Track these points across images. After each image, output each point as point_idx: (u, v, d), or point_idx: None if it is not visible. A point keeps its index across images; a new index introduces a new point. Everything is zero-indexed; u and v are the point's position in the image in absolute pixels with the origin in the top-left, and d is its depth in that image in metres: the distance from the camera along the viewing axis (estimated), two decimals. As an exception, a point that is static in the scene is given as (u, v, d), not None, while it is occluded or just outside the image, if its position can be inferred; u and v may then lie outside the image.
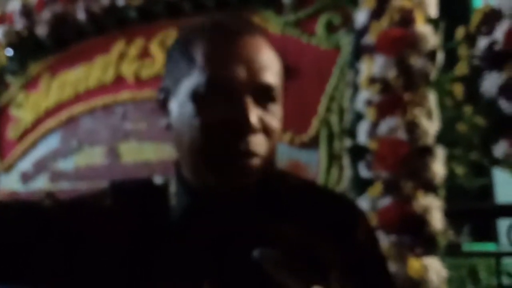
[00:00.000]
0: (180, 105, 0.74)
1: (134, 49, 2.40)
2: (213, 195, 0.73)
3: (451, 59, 1.57)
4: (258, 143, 0.70)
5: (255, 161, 0.70)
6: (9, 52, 3.02)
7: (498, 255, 1.85)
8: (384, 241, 1.39)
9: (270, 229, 0.73)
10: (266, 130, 0.71)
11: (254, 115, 0.69)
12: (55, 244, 0.77)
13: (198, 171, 0.73)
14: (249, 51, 0.72)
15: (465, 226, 2.54)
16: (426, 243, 1.39)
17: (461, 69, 1.50)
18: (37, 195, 2.62)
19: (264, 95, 0.72)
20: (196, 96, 0.71)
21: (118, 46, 2.46)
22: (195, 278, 0.71)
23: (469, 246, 2.31)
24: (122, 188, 0.84)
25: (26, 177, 2.89)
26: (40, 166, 2.81)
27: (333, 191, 0.91)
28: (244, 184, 0.71)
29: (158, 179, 0.84)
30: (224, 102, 0.70)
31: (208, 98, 0.71)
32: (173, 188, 0.78)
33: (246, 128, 0.69)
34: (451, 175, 1.62)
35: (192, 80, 0.72)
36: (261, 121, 0.71)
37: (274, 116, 0.73)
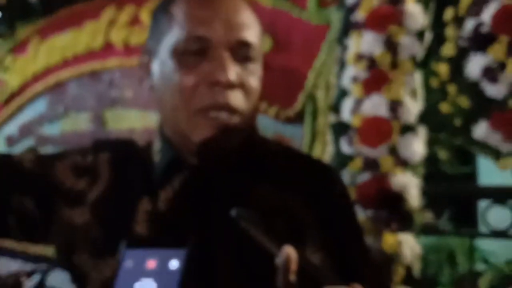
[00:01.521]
0: (161, 64, 0.75)
1: (124, 16, 2.37)
2: (195, 153, 0.74)
3: (440, 40, 1.58)
4: (237, 99, 0.72)
5: (235, 118, 0.72)
6: (-2, 14, 2.98)
7: (473, 235, 1.89)
8: (361, 215, 1.41)
9: (249, 189, 0.75)
10: (245, 87, 0.73)
11: (232, 70, 0.70)
12: (35, 196, 0.77)
13: (179, 128, 0.75)
14: (228, 9, 0.73)
15: (446, 210, 2.57)
16: (402, 219, 1.41)
17: (448, 50, 1.51)
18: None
19: (242, 53, 0.73)
20: (175, 53, 0.73)
21: (108, 12, 2.44)
22: (178, 233, 0.73)
23: (448, 227, 2.35)
24: (105, 145, 0.85)
25: (11, 141, 2.88)
26: (26, 130, 2.80)
27: (312, 157, 0.92)
28: (225, 140, 0.72)
29: (141, 142, 0.85)
30: (203, 58, 0.71)
31: (187, 54, 0.72)
32: (156, 146, 0.79)
33: (225, 83, 0.70)
34: (434, 160, 1.64)
35: (172, 38, 0.74)
36: (240, 78, 0.72)
37: (253, 75, 0.74)
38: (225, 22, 0.72)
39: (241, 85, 0.72)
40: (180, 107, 0.73)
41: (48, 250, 2.29)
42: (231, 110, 0.71)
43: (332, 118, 1.62)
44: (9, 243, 2.47)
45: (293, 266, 0.56)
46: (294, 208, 0.75)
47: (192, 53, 0.72)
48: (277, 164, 0.80)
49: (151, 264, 0.59)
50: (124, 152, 0.83)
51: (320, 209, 0.76)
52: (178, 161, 0.76)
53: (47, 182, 0.79)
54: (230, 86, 0.71)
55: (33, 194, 0.78)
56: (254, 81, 0.74)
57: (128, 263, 0.60)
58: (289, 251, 0.56)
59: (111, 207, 0.77)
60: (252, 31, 0.74)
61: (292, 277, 0.56)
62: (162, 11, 0.77)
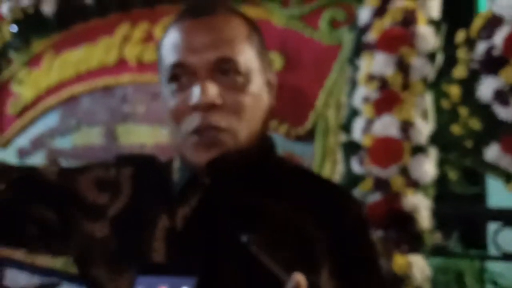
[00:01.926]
0: (162, 89, 0.78)
1: (138, 32, 2.40)
2: (204, 173, 0.75)
3: (450, 62, 1.59)
4: (220, 117, 0.73)
5: (223, 136, 0.73)
6: (14, 28, 3.03)
7: (483, 258, 1.87)
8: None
9: (262, 208, 0.75)
10: (229, 104, 0.74)
11: (209, 92, 0.72)
12: (57, 208, 0.79)
13: (180, 150, 0.77)
14: (206, 29, 0.75)
15: (455, 231, 2.55)
16: (412, 240, 1.41)
17: (460, 72, 1.52)
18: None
19: (224, 69, 0.74)
20: (166, 81, 0.76)
21: (122, 29, 2.47)
22: (192, 254, 0.73)
23: (457, 249, 2.33)
24: (128, 160, 0.87)
25: (23, 153, 2.91)
26: (38, 143, 2.83)
27: (327, 179, 0.92)
28: (220, 159, 0.73)
29: (163, 158, 0.87)
30: (186, 83, 0.74)
31: (173, 81, 0.75)
32: (176, 164, 0.81)
33: (202, 106, 0.71)
34: (443, 180, 1.64)
35: (161, 66, 0.77)
36: (222, 96, 0.73)
37: (241, 90, 0.74)
38: (202, 44, 0.74)
39: (225, 103, 0.73)
40: (174, 131, 0.76)
41: (56, 263, 2.30)
42: (217, 129, 0.73)
43: (342, 138, 1.63)
44: (18, 255, 2.48)
45: None
46: (306, 230, 0.75)
47: (176, 79, 0.75)
48: (292, 184, 0.80)
49: (162, 291, 0.61)
50: (146, 168, 0.84)
51: (334, 233, 0.76)
52: (195, 180, 0.77)
53: (69, 195, 0.80)
54: (208, 107, 0.72)
55: (55, 206, 0.79)
56: (243, 95, 0.74)
57: None
58: (299, 278, 0.56)
59: (131, 223, 0.78)
60: (235, 46, 0.75)
61: None
62: (163, 38, 0.80)
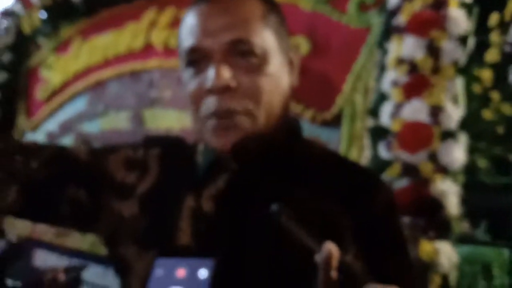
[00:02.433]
0: (183, 73, 0.79)
1: (164, 18, 2.41)
2: (231, 157, 0.75)
3: (483, 45, 1.55)
4: (236, 101, 0.72)
5: (240, 119, 0.72)
6: (43, 14, 3.07)
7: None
8: (398, 221, 1.39)
9: (288, 192, 0.74)
10: (246, 87, 0.73)
11: (222, 75, 0.71)
12: (87, 187, 0.80)
13: (201, 134, 0.77)
14: (219, 11, 0.75)
15: (483, 221, 2.51)
16: (440, 227, 1.38)
17: (492, 56, 1.48)
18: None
19: (239, 51, 0.73)
20: (184, 66, 0.77)
21: (149, 14, 2.48)
22: (217, 234, 0.74)
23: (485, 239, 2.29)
24: (155, 140, 0.87)
25: (51, 137, 2.96)
26: (66, 128, 2.87)
27: (356, 162, 0.91)
28: (241, 143, 0.73)
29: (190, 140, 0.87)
30: (203, 67, 0.74)
31: (191, 65, 0.75)
32: (200, 147, 0.81)
33: (216, 90, 0.71)
34: (473, 169, 1.60)
35: (181, 52, 0.78)
36: (236, 79, 0.72)
37: (258, 71, 0.73)
38: (216, 26, 0.73)
39: (240, 86, 0.72)
40: (194, 115, 0.75)
41: (84, 244, 2.34)
42: (233, 113, 0.72)
43: (370, 122, 1.61)
44: (48, 237, 2.54)
45: (334, 262, 0.55)
46: (333, 215, 0.74)
47: (193, 63, 0.75)
48: (319, 168, 0.79)
49: (181, 273, 0.61)
50: (173, 149, 0.85)
51: (362, 216, 0.74)
52: (219, 163, 0.77)
53: (99, 174, 0.81)
54: (223, 90, 0.71)
55: (86, 185, 0.80)
56: (260, 77, 0.73)
57: (159, 271, 0.61)
58: (331, 247, 0.55)
59: (158, 202, 0.79)
60: (250, 26, 0.74)
61: (334, 274, 0.55)
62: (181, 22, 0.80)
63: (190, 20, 0.76)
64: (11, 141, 0.85)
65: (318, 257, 0.56)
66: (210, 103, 0.73)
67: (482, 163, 2.35)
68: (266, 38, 0.75)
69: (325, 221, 0.73)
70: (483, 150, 1.97)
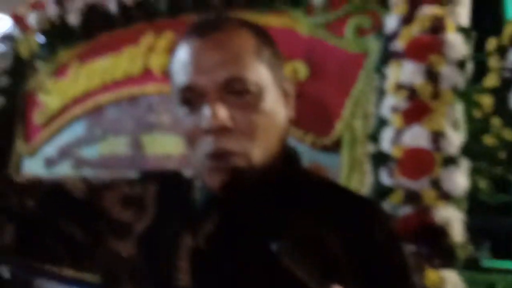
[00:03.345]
0: (176, 109, 0.78)
1: (162, 42, 2.41)
2: (224, 196, 0.74)
3: (481, 70, 1.55)
4: (233, 141, 0.71)
5: (236, 160, 0.71)
6: (41, 38, 3.08)
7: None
8: (402, 250, 1.38)
9: (286, 224, 0.73)
10: (242, 125, 0.72)
11: (219, 115, 0.70)
12: (84, 225, 0.79)
13: (196, 171, 0.76)
14: (213, 48, 0.73)
15: (486, 242, 2.49)
16: (444, 255, 1.37)
17: (491, 80, 1.48)
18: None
19: (235, 89, 0.72)
20: (178, 103, 0.76)
21: (147, 38, 2.48)
22: (215, 271, 0.73)
23: (488, 262, 2.27)
24: (152, 177, 0.87)
25: (50, 162, 2.95)
26: (64, 152, 2.86)
27: (356, 192, 0.90)
28: (237, 185, 0.72)
29: (186, 172, 0.86)
30: (198, 105, 0.73)
31: (185, 103, 0.74)
32: (197, 182, 0.80)
33: (213, 130, 0.70)
34: (473, 189, 1.60)
35: (174, 87, 0.77)
36: (233, 118, 0.71)
37: (253, 109, 0.72)
38: (209, 64, 0.72)
39: (237, 125, 0.71)
40: (190, 153, 0.75)
41: (83, 274, 2.32)
42: (230, 154, 0.71)
43: (370, 148, 1.61)
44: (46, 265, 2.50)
45: None
46: (334, 248, 0.73)
47: (187, 101, 0.74)
48: (317, 198, 0.78)
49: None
50: (170, 186, 0.84)
51: (363, 250, 0.74)
52: (215, 199, 0.77)
53: (96, 212, 0.80)
54: (220, 131, 0.71)
55: (82, 223, 0.79)
56: (255, 115, 0.72)
57: None
58: None
59: (156, 242, 0.78)
60: (244, 63, 0.73)
61: None
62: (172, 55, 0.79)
63: (182, 55, 0.75)
64: (6, 180, 0.84)
65: None
66: (206, 143, 0.72)
67: (482, 183, 2.34)
68: (260, 74, 0.74)
69: (327, 255, 0.72)
70: (484, 171, 1.97)
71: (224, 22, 0.77)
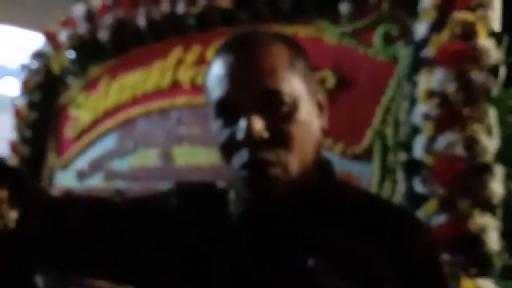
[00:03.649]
0: (212, 123, 0.78)
1: (191, 56, 2.45)
2: (263, 208, 0.75)
3: (514, 75, 1.53)
4: (268, 151, 0.71)
5: (273, 170, 0.72)
6: (72, 54, 3.16)
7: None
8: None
9: (322, 238, 0.73)
10: (277, 137, 0.72)
11: (255, 128, 0.71)
12: (122, 239, 0.80)
13: (233, 183, 0.76)
14: (246, 61, 0.74)
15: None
16: (480, 264, 1.35)
17: (525, 85, 1.46)
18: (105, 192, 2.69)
19: (270, 101, 0.73)
20: (213, 117, 0.76)
21: (176, 53, 2.52)
22: (251, 285, 0.73)
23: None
24: (187, 190, 0.87)
25: (82, 175, 3.00)
26: (96, 165, 2.91)
27: (394, 203, 0.89)
28: (275, 195, 0.72)
29: (220, 184, 0.87)
30: (233, 119, 0.73)
31: (220, 116, 0.74)
32: (231, 195, 0.80)
33: (249, 143, 0.70)
34: (508, 196, 1.56)
35: (210, 101, 0.78)
36: (269, 129, 0.72)
37: (288, 120, 0.73)
38: (244, 78, 0.73)
39: (272, 136, 0.72)
40: (226, 165, 0.75)
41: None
42: (266, 164, 0.71)
43: (403, 156, 1.59)
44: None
45: None
46: (371, 262, 0.72)
47: (223, 115, 0.74)
48: (354, 211, 0.77)
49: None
50: (204, 198, 0.85)
51: (402, 263, 0.72)
52: (250, 211, 0.77)
53: (133, 226, 0.81)
54: (256, 142, 0.71)
55: (122, 238, 0.80)
56: (291, 125, 0.72)
57: None
58: None
59: (192, 256, 0.78)
60: (278, 76, 0.73)
61: None
62: (208, 70, 0.80)
63: (217, 70, 0.76)
64: (43, 193, 0.86)
65: None
66: (243, 155, 0.72)
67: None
68: (294, 85, 0.74)
69: (363, 269, 0.71)
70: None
71: (257, 36, 0.78)
